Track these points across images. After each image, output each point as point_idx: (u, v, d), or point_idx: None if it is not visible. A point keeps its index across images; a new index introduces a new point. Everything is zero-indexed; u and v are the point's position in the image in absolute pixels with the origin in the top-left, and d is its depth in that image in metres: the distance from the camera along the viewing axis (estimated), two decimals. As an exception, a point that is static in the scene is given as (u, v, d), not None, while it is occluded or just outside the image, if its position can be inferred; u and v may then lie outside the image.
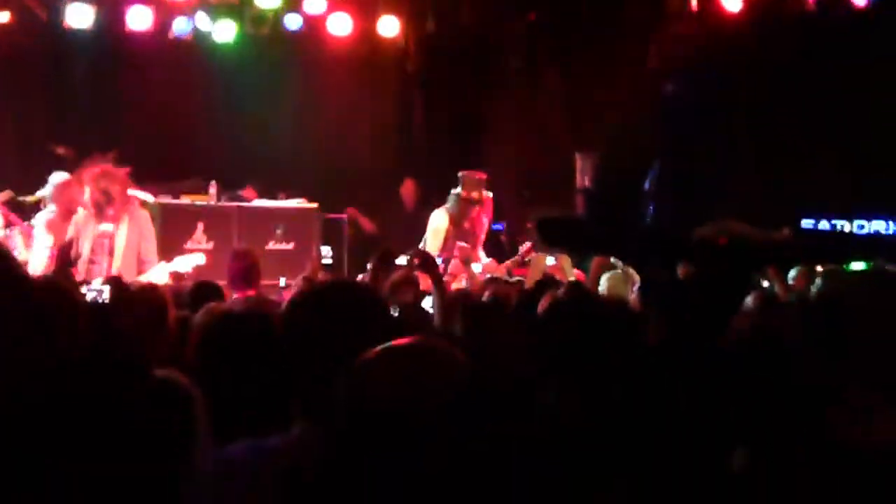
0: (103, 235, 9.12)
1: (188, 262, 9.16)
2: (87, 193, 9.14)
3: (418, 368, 2.28)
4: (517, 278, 9.59)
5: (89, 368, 2.15)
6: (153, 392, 2.18)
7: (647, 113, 13.55)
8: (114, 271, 8.85)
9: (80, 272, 8.94)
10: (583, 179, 11.25)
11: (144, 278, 8.79)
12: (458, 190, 10.99)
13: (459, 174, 11.11)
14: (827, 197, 13.37)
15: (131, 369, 2.20)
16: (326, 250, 12.53)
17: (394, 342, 2.37)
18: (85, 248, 9.06)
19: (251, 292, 7.62)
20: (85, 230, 9.14)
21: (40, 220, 10.29)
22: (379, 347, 2.35)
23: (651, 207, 10.02)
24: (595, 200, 10.15)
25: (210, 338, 3.95)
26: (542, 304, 5.38)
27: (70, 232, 9.23)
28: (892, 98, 12.73)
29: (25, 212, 11.04)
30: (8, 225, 10.92)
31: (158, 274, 8.94)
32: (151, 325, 5.10)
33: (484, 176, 11.16)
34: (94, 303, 4.69)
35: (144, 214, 9.50)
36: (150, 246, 9.34)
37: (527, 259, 11.21)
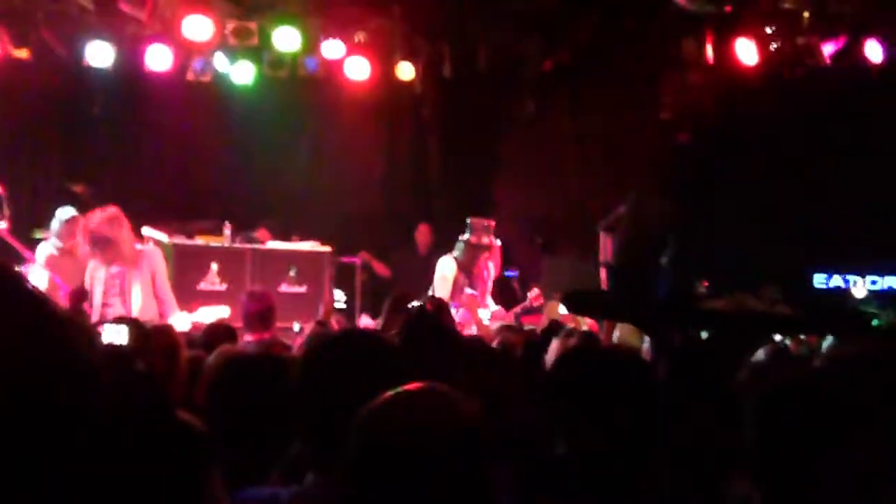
0: (114, 277, 9.11)
1: (211, 314, 9.16)
2: (91, 240, 9.11)
3: (428, 412, 2.28)
4: (529, 327, 9.59)
5: (114, 410, 2.16)
6: (174, 436, 2.20)
7: (659, 165, 13.59)
8: (134, 313, 8.83)
9: (94, 315, 8.94)
10: (605, 254, 11.43)
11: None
12: (467, 236, 11.01)
13: (468, 220, 11.14)
14: (840, 252, 13.35)
15: (155, 412, 2.22)
16: (339, 294, 12.54)
17: (404, 387, 2.37)
18: (97, 292, 9.06)
19: (266, 335, 7.59)
20: (97, 274, 9.15)
21: (41, 254, 10.40)
22: (389, 392, 2.36)
23: (667, 280, 10.37)
24: (616, 274, 10.50)
25: (221, 380, 3.96)
26: (551, 351, 5.37)
27: (87, 276, 9.23)
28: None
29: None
30: (23, 261, 11.00)
31: (180, 322, 8.94)
32: (164, 366, 5.12)
33: (493, 223, 11.20)
34: (112, 345, 4.70)
35: (156, 251, 9.49)
36: (165, 284, 9.33)
37: (535, 305, 11.22)
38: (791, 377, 3.13)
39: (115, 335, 4.74)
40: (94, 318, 8.83)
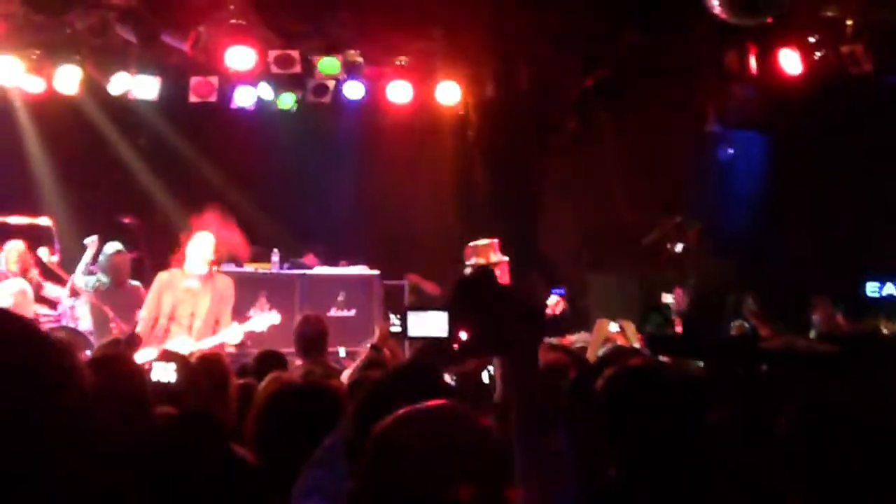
0: (188, 292, 9.14)
1: (263, 321, 9.21)
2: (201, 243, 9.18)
3: (439, 431, 2.25)
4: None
5: (168, 447, 2.19)
6: (230, 472, 2.22)
7: (706, 178, 13.56)
8: (194, 332, 8.90)
9: (159, 329, 8.97)
10: (679, 306, 11.78)
11: (219, 338, 8.85)
12: (470, 261, 11.03)
13: (470, 244, 11.15)
14: (893, 260, 13.19)
15: (210, 450, 2.23)
16: (394, 318, 12.49)
17: (417, 405, 2.34)
18: (166, 304, 9.06)
19: (319, 360, 7.57)
20: (169, 287, 9.14)
21: (89, 287, 10.58)
22: (402, 411, 2.33)
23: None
24: (690, 321, 11.37)
25: (269, 410, 3.97)
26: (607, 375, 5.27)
27: (152, 293, 9.23)
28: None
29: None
30: (74, 294, 11.13)
31: (233, 334, 8.99)
32: (214, 397, 5.14)
33: (496, 241, 11.19)
34: (161, 383, 4.73)
35: (227, 279, 9.51)
36: (228, 310, 9.36)
37: (556, 313, 11.23)
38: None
39: (162, 373, 4.77)
40: (159, 332, 8.90)
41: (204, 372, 5.19)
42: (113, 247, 10.94)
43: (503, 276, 11.26)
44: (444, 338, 2.65)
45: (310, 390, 3.91)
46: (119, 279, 10.67)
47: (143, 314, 9.14)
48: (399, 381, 2.78)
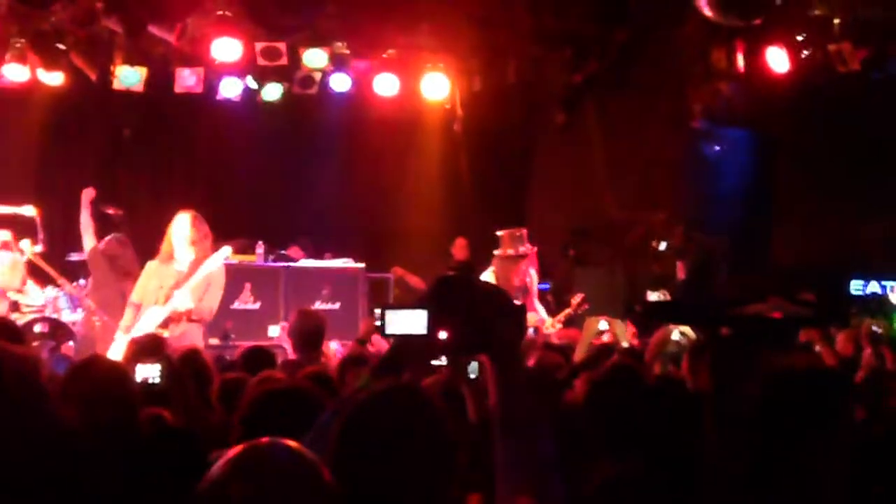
0: (176, 276, 8.91)
1: (217, 258, 8.94)
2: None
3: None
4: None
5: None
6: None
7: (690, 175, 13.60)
8: (173, 300, 8.69)
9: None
10: (681, 274, 12.03)
11: (169, 307, 8.62)
12: (498, 251, 10.97)
13: (498, 233, 11.10)
14: (876, 258, 13.23)
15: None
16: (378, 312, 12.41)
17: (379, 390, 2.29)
18: (151, 291, 8.87)
19: (314, 355, 7.43)
20: (156, 275, 8.94)
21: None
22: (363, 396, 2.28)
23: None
24: (685, 288, 11.80)
25: (255, 411, 3.93)
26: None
27: (140, 280, 9.08)
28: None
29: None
30: (56, 285, 11.09)
31: (182, 300, 8.70)
32: (197, 392, 5.11)
33: (525, 230, 11.13)
34: (146, 383, 4.68)
35: (219, 266, 9.13)
36: (212, 301, 9.01)
37: (579, 312, 11.20)
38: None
39: (147, 373, 4.73)
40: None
41: (188, 370, 5.16)
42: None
43: (533, 264, 11.23)
44: (423, 335, 2.61)
45: (298, 394, 3.86)
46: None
47: (133, 298, 9.02)
48: (383, 403, 2.69)
